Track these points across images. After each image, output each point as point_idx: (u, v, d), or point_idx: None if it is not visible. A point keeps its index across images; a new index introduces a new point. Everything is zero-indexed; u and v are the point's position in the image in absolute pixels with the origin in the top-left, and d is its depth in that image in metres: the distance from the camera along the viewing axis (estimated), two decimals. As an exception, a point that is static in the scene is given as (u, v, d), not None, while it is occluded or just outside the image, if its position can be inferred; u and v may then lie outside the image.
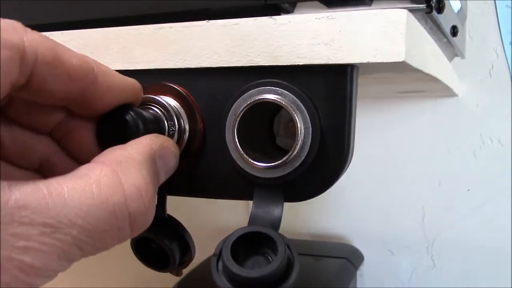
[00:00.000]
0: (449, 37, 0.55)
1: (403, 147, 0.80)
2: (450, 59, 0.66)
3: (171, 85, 0.33)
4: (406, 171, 0.80)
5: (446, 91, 0.69)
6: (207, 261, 0.72)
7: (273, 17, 0.30)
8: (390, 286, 0.83)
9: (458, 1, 0.61)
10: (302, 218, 0.85)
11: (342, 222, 0.85)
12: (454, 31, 0.57)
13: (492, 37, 0.74)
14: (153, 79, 0.34)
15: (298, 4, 0.34)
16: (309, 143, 0.30)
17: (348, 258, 0.74)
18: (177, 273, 0.36)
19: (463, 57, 0.70)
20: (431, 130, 0.78)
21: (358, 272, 0.75)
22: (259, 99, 0.30)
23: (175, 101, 0.33)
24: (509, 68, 0.74)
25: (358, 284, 0.75)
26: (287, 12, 0.34)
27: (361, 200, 0.84)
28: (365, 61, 0.29)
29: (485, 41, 0.74)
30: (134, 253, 0.35)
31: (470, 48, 0.74)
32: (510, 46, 0.74)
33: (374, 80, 0.46)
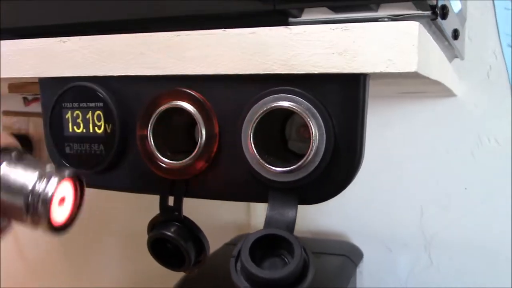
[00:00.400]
0: (451, 41, 0.57)
1: (401, 146, 0.82)
2: (450, 60, 0.68)
3: (188, 91, 0.34)
4: (404, 170, 0.82)
5: (445, 92, 0.71)
6: (208, 259, 0.73)
7: (289, 26, 0.31)
8: (388, 284, 0.84)
9: (458, 1, 0.62)
10: (302, 215, 0.86)
11: (341, 220, 0.87)
12: (456, 34, 0.58)
13: (491, 38, 0.76)
14: (170, 85, 0.35)
15: (306, 9, 0.35)
16: (323, 149, 0.31)
17: (348, 255, 0.75)
18: (191, 272, 0.37)
19: (462, 58, 0.72)
20: (430, 129, 0.80)
21: (357, 269, 0.76)
22: (274, 106, 0.31)
23: (192, 106, 0.34)
24: (507, 69, 0.75)
25: (358, 282, 0.76)
26: (295, 16, 0.35)
27: (360, 199, 0.85)
28: (378, 71, 0.30)
29: (483, 43, 0.76)
30: (150, 253, 0.36)
31: (469, 49, 0.75)
32: (508, 48, 0.75)
33: (379, 81, 0.47)
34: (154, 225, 0.37)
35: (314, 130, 0.31)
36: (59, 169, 0.29)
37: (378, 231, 0.84)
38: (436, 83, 0.48)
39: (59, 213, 0.29)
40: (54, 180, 0.28)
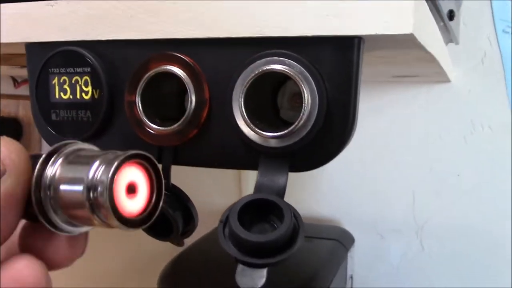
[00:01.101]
0: (446, 21, 0.56)
1: (395, 132, 0.81)
2: (445, 44, 0.67)
3: (178, 55, 0.33)
4: (397, 155, 0.81)
5: (440, 76, 0.70)
6: (198, 243, 0.73)
7: (282, -12, 0.31)
8: (380, 269, 0.84)
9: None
10: (294, 201, 0.85)
11: (334, 206, 0.86)
12: (451, 15, 0.58)
13: (486, 24, 0.75)
14: (160, 49, 0.34)
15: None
16: (315, 114, 0.30)
17: (339, 240, 0.75)
18: (179, 243, 0.36)
19: (457, 42, 0.71)
20: (423, 115, 0.79)
21: (349, 254, 0.76)
22: (266, 69, 0.31)
23: (182, 71, 0.33)
24: (501, 55, 0.75)
25: (349, 266, 0.76)
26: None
27: (353, 184, 0.85)
28: (373, 33, 0.29)
29: (478, 28, 0.75)
30: (138, 222, 0.35)
31: (464, 35, 0.74)
32: (503, 34, 0.75)
33: (375, 59, 0.46)
34: (141, 194, 0.36)
35: (306, 94, 0.30)
36: (121, 153, 0.25)
37: (370, 217, 0.83)
38: (432, 60, 0.47)
39: (131, 204, 0.25)
40: (113, 164, 0.24)
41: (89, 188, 0.24)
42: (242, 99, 0.31)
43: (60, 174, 0.25)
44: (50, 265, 0.26)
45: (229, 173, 0.90)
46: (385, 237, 0.83)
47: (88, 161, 0.24)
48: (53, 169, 0.25)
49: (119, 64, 0.36)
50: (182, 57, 0.33)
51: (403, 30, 0.28)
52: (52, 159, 0.25)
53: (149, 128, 0.34)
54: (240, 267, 0.28)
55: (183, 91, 0.34)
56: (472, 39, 0.75)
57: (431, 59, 0.46)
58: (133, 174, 0.26)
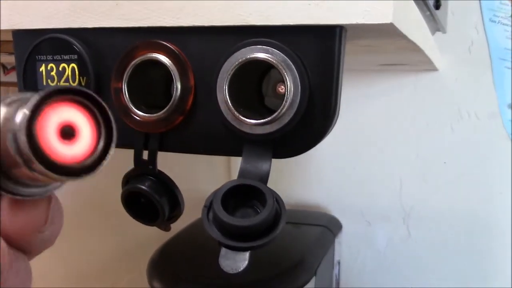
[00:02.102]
0: (432, 10, 0.57)
1: (382, 120, 0.82)
2: (432, 33, 0.68)
3: (163, 42, 0.34)
4: (385, 143, 0.82)
5: (427, 65, 0.71)
6: (187, 230, 0.74)
7: (265, -23, 0.31)
8: (367, 255, 0.85)
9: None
10: (282, 188, 0.86)
11: (321, 193, 0.87)
12: (437, 4, 0.58)
13: (473, 13, 0.76)
14: (145, 37, 0.34)
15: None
16: (298, 101, 0.31)
17: (327, 226, 0.76)
18: (166, 228, 0.37)
19: (444, 31, 0.72)
20: (410, 103, 0.80)
21: (336, 240, 0.77)
22: (250, 57, 0.31)
23: (167, 59, 0.33)
24: (488, 44, 0.76)
25: (336, 252, 0.77)
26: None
27: (340, 172, 0.86)
28: (354, 22, 0.30)
29: (466, 17, 0.76)
30: (124, 207, 0.36)
31: (451, 23, 0.75)
32: (490, 22, 0.76)
33: (360, 48, 0.47)
34: (128, 179, 0.36)
35: (289, 82, 0.31)
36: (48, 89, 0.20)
37: (357, 204, 0.85)
38: (417, 49, 0.48)
39: (70, 149, 0.21)
40: (31, 102, 0.20)
41: (14, 138, 0.20)
42: (226, 87, 0.32)
43: None
44: (10, 238, 0.23)
45: (219, 161, 0.91)
46: (372, 223, 0.84)
47: (16, 105, 0.20)
48: None
49: (106, 51, 0.36)
50: (168, 45, 0.34)
51: (383, 20, 0.29)
52: None
53: (135, 115, 0.34)
54: (223, 250, 0.29)
55: (169, 78, 0.34)
56: (459, 28, 0.76)
57: (416, 48, 0.47)
58: (68, 114, 0.21)
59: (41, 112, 0.20)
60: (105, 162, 0.22)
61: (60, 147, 0.21)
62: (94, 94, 0.22)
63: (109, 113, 0.22)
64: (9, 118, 0.20)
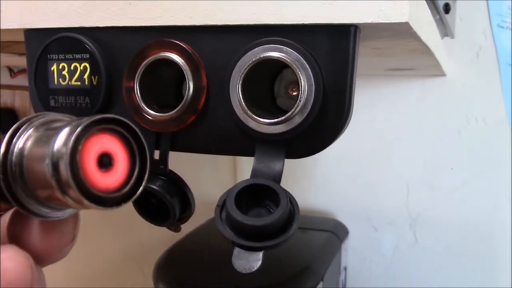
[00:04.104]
0: (442, 14, 0.57)
1: (390, 125, 0.82)
2: (441, 37, 0.68)
3: (176, 41, 0.33)
4: (392, 149, 0.82)
5: (435, 70, 0.71)
6: (193, 233, 0.73)
7: (279, -24, 0.31)
8: (373, 261, 0.85)
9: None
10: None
11: (328, 198, 0.87)
12: (447, 8, 0.58)
13: (481, 19, 0.76)
14: (158, 36, 0.34)
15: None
16: (311, 101, 0.31)
17: (333, 231, 0.75)
18: (176, 229, 0.37)
19: (452, 36, 0.72)
20: (418, 109, 0.80)
21: (343, 246, 0.76)
22: (264, 56, 0.31)
23: (180, 58, 0.33)
24: (496, 50, 0.76)
25: (343, 258, 0.76)
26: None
27: (347, 177, 0.85)
28: (369, 21, 0.29)
29: (474, 23, 0.76)
30: (134, 207, 0.36)
31: (459, 29, 0.75)
32: (499, 28, 0.76)
33: (370, 51, 0.47)
34: (139, 179, 0.36)
35: (303, 82, 0.30)
36: (86, 118, 0.21)
37: (364, 209, 0.84)
38: (428, 52, 0.48)
39: (107, 178, 0.21)
40: (75, 131, 0.20)
41: (53, 163, 0.20)
42: (239, 86, 0.31)
43: (27, 149, 0.21)
44: (37, 255, 0.24)
45: (224, 166, 0.90)
46: (379, 229, 0.84)
47: (55, 132, 0.20)
48: (20, 144, 0.22)
49: (118, 50, 0.36)
50: (180, 44, 0.33)
51: (398, 19, 0.29)
52: (19, 132, 0.22)
53: (147, 114, 0.34)
54: (236, 250, 0.29)
55: (181, 78, 0.34)
56: (467, 33, 0.76)
57: (426, 51, 0.47)
58: (107, 143, 0.21)
59: (84, 141, 0.20)
60: (139, 192, 0.22)
61: (97, 176, 0.21)
62: (132, 125, 0.22)
63: (144, 142, 0.23)
64: (45, 142, 0.21)
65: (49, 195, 0.21)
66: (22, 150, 0.21)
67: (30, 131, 0.22)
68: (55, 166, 0.20)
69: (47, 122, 0.22)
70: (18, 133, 0.22)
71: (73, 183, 0.20)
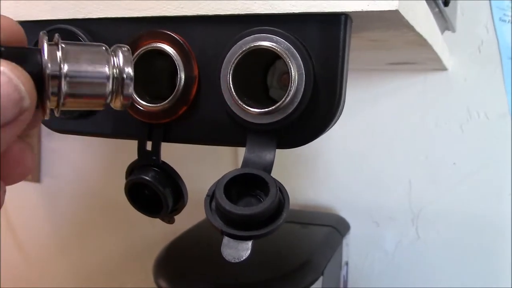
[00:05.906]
0: (441, 7, 0.56)
1: (391, 120, 0.81)
2: (442, 31, 0.67)
3: (168, 32, 0.33)
4: (394, 144, 0.82)
5: (436, 64, 0.70)
6: (193, 229, 0.73)
7: (270, -35, 0.31)
8: (375, 257, 0.84)
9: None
10: (290, 188, 0.85)
11: (330, 194, 0.86)
12: (446, 0, 0.58)
13: (483, 12, 0.75)
14: (149, 27, 0.34)
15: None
16: (302, 90, 0.31)
17: (334, 226, 0.75)
18: (169, 220, 0.37)
19: (454, 30, 0.71)
20: (420, 103, 0.80)
21: (344, 241, 0.76)
22: (254, 45, 0.31)
23: (171, 48, 0.33)
24: (498, 43, 0.75)
25: (344, 254, 0.76)
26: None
27: (349, 172, 0.85)
28: (359, 9, 0.29)
29: (475, 17, 0.75)
30: (128, 198, 0.36)
31: (461, 23, 0.74)
32: (500, 22, 0.75)
33: (367, 43, 0.46)
34: (132, 170, 0.36)
35: (293, 71, 0.30)
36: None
37: (366, 205, 0.84)
38: (425, 44, 0.47)
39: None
40: (124, 51, 0.27)
41: (114, 77, 0.25)
42: (230, 76, 0.31)
43: (77, 66, 0.25)
44: None
45: (225, 161, 0.90)
46: (381, 224, 0.83)
47: (99, 52, 0.26)
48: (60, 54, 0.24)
49: (111, 42, 0.36)
50: (172, 34, 0.33)
51: (388, 7, 0.29)
52: (59, 53, 0.24)
53: (139, 105, 0.34)
54: (226, 239, 0.29)
55: (173, 69, 0.34)
56: (469, 27, 0.75)
57: (424, 43, 0.46)
58: None
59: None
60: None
61: None
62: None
63: None
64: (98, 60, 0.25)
65: (84, 101, 0.26)
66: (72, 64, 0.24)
67: (64, 52, 0.24)
68: (114, 80, 0.25)
69: (68, 44, 0.25)
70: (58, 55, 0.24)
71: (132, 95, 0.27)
